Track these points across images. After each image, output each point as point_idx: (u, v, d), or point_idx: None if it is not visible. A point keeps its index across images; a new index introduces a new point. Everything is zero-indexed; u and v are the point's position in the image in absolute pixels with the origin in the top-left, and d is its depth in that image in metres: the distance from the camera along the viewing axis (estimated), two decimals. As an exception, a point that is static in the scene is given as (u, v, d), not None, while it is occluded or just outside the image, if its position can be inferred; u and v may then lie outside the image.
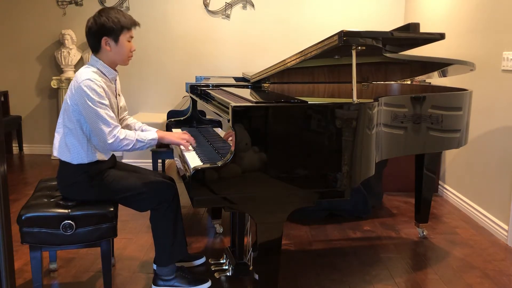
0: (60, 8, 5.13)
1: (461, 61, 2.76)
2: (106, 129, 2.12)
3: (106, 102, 2.15)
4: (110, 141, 2.14)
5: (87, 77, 2.13)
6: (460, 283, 2.53)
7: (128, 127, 2.52)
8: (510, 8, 3.09)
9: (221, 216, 3.20)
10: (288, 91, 3.08)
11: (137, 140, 2.20)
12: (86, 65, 2.25)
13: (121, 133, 2.17)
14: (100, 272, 2.49)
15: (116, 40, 2.22)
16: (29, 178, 4.38)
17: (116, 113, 2.31)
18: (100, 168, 2.25)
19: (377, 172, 2.61)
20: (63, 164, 2.24)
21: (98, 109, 2.11)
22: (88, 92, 2.10)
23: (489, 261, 2.80)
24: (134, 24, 2.28)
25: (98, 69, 2.23)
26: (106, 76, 2.25)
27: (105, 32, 2.20)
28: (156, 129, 2.51)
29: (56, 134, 2.25)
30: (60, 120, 2.24)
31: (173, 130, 2.78)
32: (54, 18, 5.14)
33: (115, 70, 2.30)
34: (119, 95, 2.40)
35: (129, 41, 2.27)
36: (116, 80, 2.35)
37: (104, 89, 2.16)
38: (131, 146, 2.19)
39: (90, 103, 2.10)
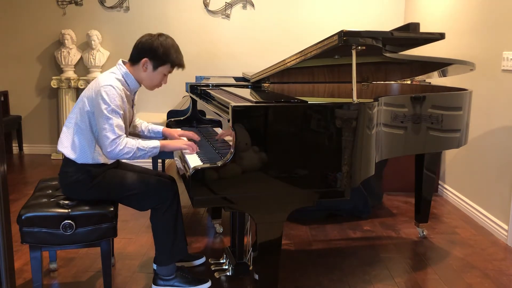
0: (60, 8, 5.13)
1: (461, 61, 2.76)
2: (111, 136, 2.11)
3: (121, 111, 2.15)
4: (109, 149, 2.12)
5: (110, 83, 2.13)
6: (460, 283, 2.53)
7: (134, 128, 2.52)
8: (510, 8, 3.09)
9: (221, 216, 3.20)
10: (288, 91, 3.08)
11: (138, 148, 2.16)
12: (112, 70, 2.25)
13: (123, 141, 2.14)
14: (100, 272, 2.49)
15: (155, 67, 2.23)
16: (29, 178, 4.38)
17: (128, 123, 2.32)
18: (102, 169, 2.25)
19: (377, 172, 2.61)
20: (66, 162, 2.24)
21: (110, 116, 2.10)
22: (106, 98, 2.10)
23: (489, 261, 2.80)
24: (180, 65, 2.29)
25: (123, 77, 2.23)
26: (128, 86, 2.26)
27: (150, 54, 2.20)
28: (163, 127, 2.52)
29: (64, 128, 2.24)
30: (72, 115, 2.23)
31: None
32: (54, 18, 5.14)
33: (140, 84, 2.31)
34: (135, 104, 2.40)
35: (165, 75, 2.28)
36: (136, 92, 2.36)
37: (122, 98, 2.16)
38: (131, 154, 2.15)
39: (104, 109, 2.10)
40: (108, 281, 2.26)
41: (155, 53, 2.20)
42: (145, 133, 2.54)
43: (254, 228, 2.03)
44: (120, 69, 2.25)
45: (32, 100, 5.31)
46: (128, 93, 2.26)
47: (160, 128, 2.53)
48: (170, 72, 2.29)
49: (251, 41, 5.15)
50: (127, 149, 2.14)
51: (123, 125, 2.17)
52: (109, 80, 2.15)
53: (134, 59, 2.25)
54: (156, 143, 2.23)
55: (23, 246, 2.46)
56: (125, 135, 2.18)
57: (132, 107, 2.36)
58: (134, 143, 2.17)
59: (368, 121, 2.05)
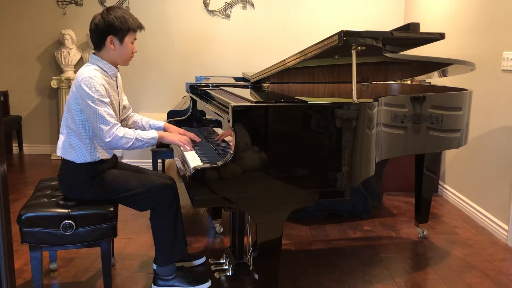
0: (60, 8, 5.13)
1: (461, 61, 2.76)
2: (105, 128, 2.12)
3: (107, 100, 2.15)
4: (107, 140, 2.14)
5: (87, 75, 2.14)
6: (460, 283, 2.53)
7: (135, 123, 2.53)
8: (510, 8, 3.09)
9: (221, 216, 3.20)
10: (288, 91, 3.08)
11: (136, 138, 2.20)
12: (87, 64, 2.26)
13: (120, 131, 2.16)
14: (100, 272, 2.49)
15: (121, 40, 2.23)
16: (29, 178, 4.38)
17: (117, 109, 2.32)
18: (102, 167, 2.25)
19: (377, 172, 2.61)
20: (65, 163, 2.25)
21: (97, 107, 2.11)
22: (88, 90, 2.11)
23: (489, 261, 2.80)
24: (140, 27, 2.30)
25: (98, 66, 2.24)
26: (106, 72, 2.26)
27: (111, 31, 2.21)
28: (164, 123, 2.53)
29: (60, 135, 2.26)
30: (63, 121, 2.25)
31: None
32: (54, 18, 5.14)
33: (116, 67, 2.31)
34: (119, 90, 2.40)
35: (132, 43, 2.29)
36: (117, 76, 2.36)
37: (104, 86, 2.17)
38: (130, 144, 2.18)
39: (89, 102, 2.11)
40: (108, 281, 2.26)
41: (114, 27, 2.20)
42: (146, 129, 2.53)
43: (254, 228, 2.03)
44: (93, 60, 2.26)
45: (32, 100, 5.31)
46: (110, 80, 2.27)
47: (162, 124, 2.53)
48: (135, 39, 2.30)
49: (251, 41, 5.15)
50: (125, 139, 2.17)
51: (113, 113, 2.18)
52: (86, 73, 2.15)
53: (98, 44, 2.25)
54: (154, 133, 2.26)
55: (23, 246, 2.46)
56: (119, 124, 2.19)
57: (118, 93, 2.36)
58: (132, 133, 2.20)
59: (368, 121, 2.05)
